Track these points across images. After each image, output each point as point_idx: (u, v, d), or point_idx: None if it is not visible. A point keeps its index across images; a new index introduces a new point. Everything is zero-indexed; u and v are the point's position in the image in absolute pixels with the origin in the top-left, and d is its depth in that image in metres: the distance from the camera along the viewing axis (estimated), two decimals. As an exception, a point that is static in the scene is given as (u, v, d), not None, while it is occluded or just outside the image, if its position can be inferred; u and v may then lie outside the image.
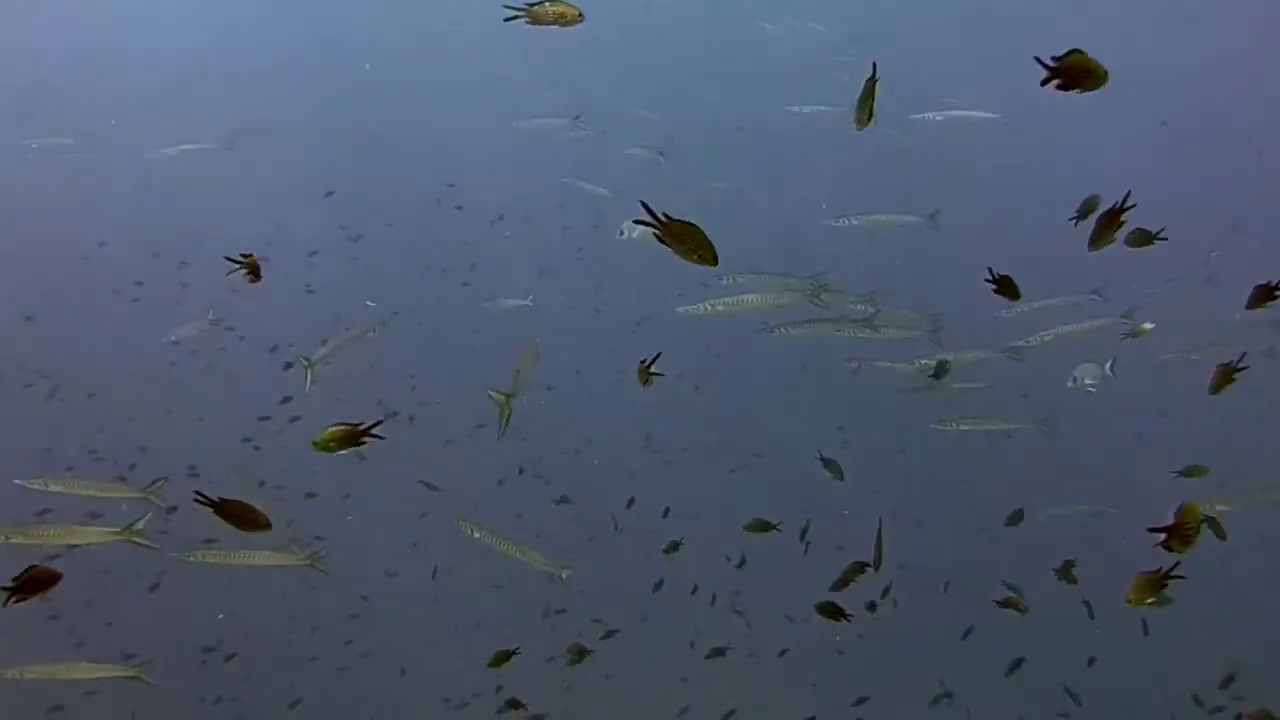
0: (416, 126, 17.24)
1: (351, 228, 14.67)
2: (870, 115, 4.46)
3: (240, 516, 4.61)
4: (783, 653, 11.19)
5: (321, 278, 13.82)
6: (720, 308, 7.38)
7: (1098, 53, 3.73)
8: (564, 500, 12.42)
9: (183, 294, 13.63)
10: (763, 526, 7.96)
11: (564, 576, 7.86)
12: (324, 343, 8.36)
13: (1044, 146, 15.71)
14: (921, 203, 10.29)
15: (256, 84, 16.92)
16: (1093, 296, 10.50)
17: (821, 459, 8.73)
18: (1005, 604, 8.43)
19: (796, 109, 13.82)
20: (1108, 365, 8.76)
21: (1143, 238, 5.49)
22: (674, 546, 9.39)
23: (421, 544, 12.21)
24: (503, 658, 7.33)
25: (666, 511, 11.66)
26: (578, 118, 14.40)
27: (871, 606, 8.77)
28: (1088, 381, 8.66)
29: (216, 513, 4.50)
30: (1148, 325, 7.92)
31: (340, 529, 11.03)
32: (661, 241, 3.68)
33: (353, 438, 4.52)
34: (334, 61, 17.87)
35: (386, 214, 15.54)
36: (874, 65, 4.41)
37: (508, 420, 6.23)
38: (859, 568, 7.16)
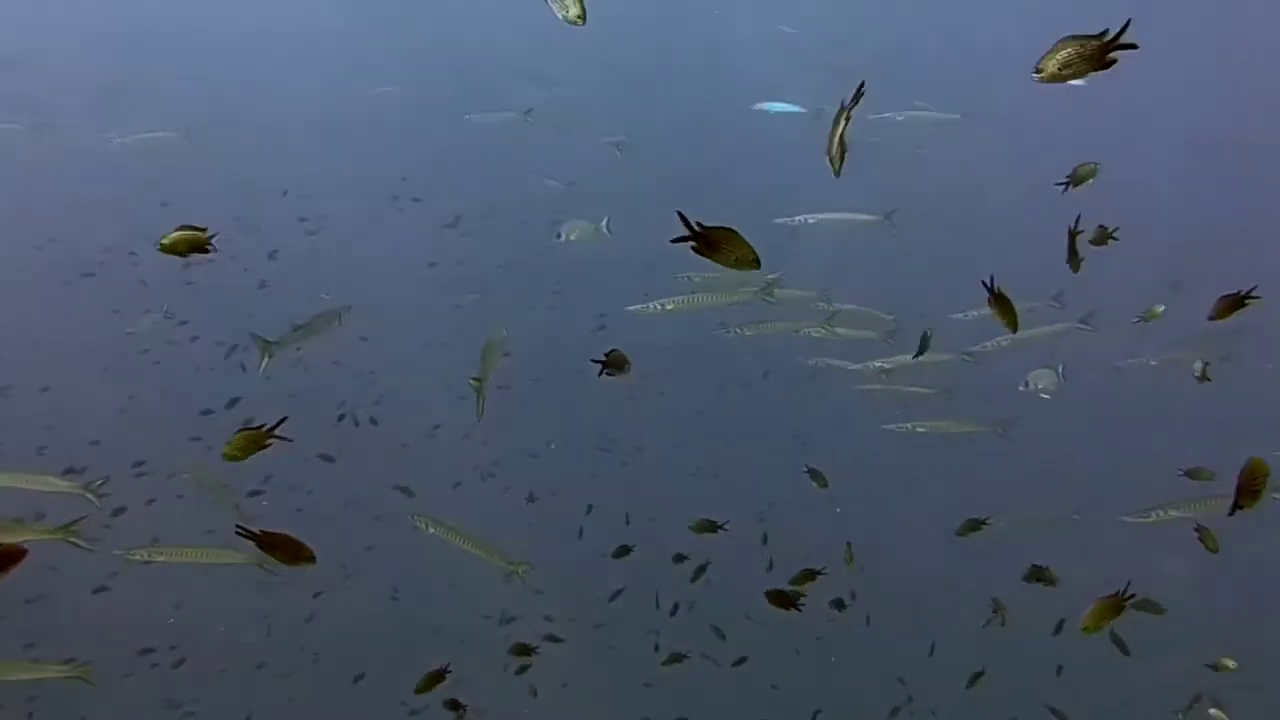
0: (375, 120, 17.02)
1: (310, 222, 14.42)
2: (844, 155, 3.75)
3: (283, 548, 4.34)
4: (739, 661, 11.05)
5: (278, 272, 13.58)
6: (670, 307, 7.29)
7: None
8: (531, 499, 12.27)
9: (137, 288, 13.35)
10: (710, 527, 7.87)
11: (521, 573, 7.73)
12: (295, 329, 8.20)
13: (1007, 150, 15.76)
14: (882, 204, 10.21)
15: (214, 75, 16.64)
16: (1052, 303, 10.53)
17: (809, 471, 8.69)
18: (995, 611, 8.44)
19: (760, 107, 13.77)
20: (1059, 369, 8.72)
21: (1102, 235, 5.60)
22: (624, 551, 9.26)
23: (377, 546, 12.00)
24: (434, 679, 7.02)
25: (628, 519, 11.53)
26: (528, 112, 14.27)
27: (839, 605, 8.70)
28: (1040, 387, 8.60)
29: (259, 545, 4.23)
30: (1159, 308, 7.78)
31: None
32: (698, 253, 3.32)
33: (257, 441, 4.28)
34: (296, 54, 17.64)
35: (344, 209, 15.28)
36: (855, 97, 3.60)
37: (484, 403, 6.30)
38: (810, 575, 7.09)
